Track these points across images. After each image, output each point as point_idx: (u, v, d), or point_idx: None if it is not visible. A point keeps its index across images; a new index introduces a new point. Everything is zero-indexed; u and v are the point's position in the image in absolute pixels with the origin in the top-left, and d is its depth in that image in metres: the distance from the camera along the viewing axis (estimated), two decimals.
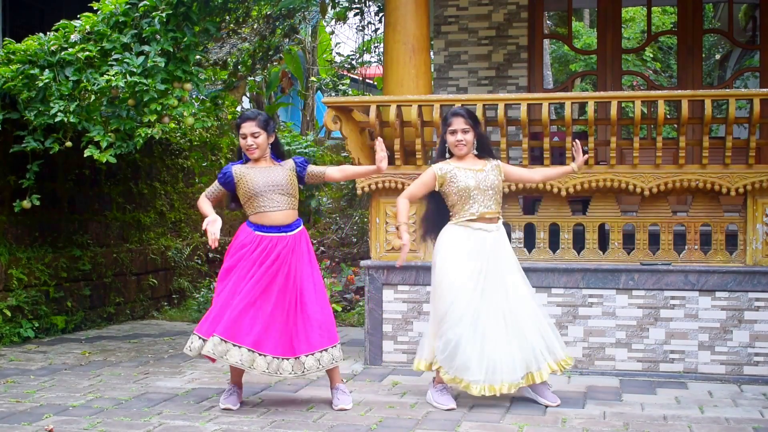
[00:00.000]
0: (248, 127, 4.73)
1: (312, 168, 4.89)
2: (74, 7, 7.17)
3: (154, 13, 6.15)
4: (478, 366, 4.60)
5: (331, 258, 10.00)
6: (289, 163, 4.85)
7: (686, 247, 5.63)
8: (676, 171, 5.57)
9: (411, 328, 5.85)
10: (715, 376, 5.43)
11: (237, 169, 4.80)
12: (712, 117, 5.48)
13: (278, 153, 4.92)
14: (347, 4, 11.69)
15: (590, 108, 5.81)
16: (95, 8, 6.43)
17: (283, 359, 4.62)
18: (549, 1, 8.92)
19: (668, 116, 6.21)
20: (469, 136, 4.75)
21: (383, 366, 5.82)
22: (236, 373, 4.81)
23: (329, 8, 11.24)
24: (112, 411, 4.69)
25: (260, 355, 4.56)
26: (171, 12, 6.18)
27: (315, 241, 8.60)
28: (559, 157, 5.97)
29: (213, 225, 4.61)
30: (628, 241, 5.75)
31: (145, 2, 6.23)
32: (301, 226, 4.87)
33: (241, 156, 4.89)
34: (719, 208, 5.62)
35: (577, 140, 4.95)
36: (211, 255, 9.89)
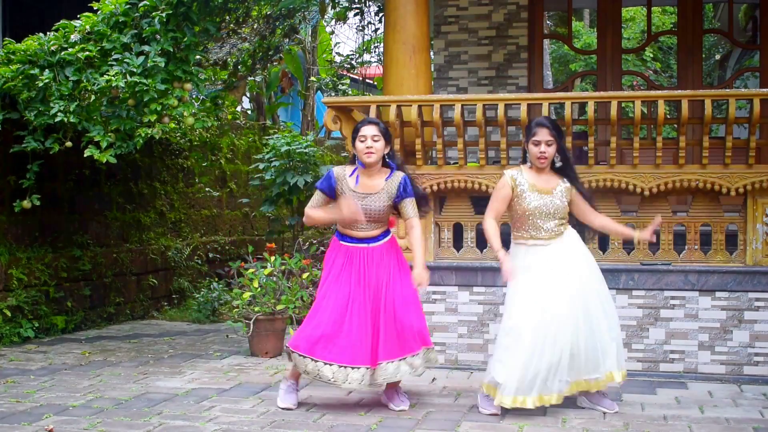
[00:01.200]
0: (369, 130, 4.65)
1: (406, 203, 4.73)
2: (74, 7, 7.16)
3: (154, 13, 6.15)
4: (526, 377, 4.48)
5: None
6: (393, 186, 4.71)
7: (686, 247, 5.63)
8: (676, 171, 5.57)
9: None
10: (715, 376, 5.43)
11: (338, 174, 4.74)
12: (712, 117, 5.48)
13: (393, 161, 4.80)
14: (347, 4, 11.68)
15: (590, 108, 5.81)
16: (95, 8, 6.43)
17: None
18: (549, 1, 8.91)
19: (668, 116, 6.21)
20: (552, 149, 4.62)
21: None
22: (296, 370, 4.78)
23: (329, 8, 11.24)
24: (112, 411, 4.69)
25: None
26: (171, 12, 6.17)
27: (315, 241, 8.59)
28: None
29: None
30: (629, 241, 5.74)
31: (145, 2, 6.23)
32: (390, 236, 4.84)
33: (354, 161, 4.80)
34: (719, 208, 5.62)
35: (659, 219, 4.80)
36: (211, 255, 9.89)
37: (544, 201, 4.62)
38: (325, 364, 4.54)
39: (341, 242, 4.76)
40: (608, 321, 4.59)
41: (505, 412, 4.62)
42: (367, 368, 4.56)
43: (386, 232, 4.80)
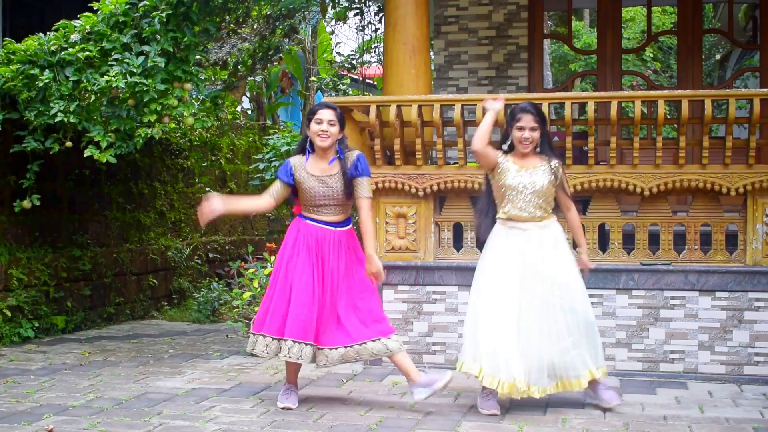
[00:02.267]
0: (326, 114, 4.69)
1: (360, 182, 4.75)
2: (74, 7, 7.17)
3: (154, 13, 6.15)
4: (509, 365, 4.50)
5: None
6: (347, 164, 4.74)
7: (686, 247, 5.63)
8: (676, 171, 5.57)
9: (411, 328, 5.85)
10: (715, 376, 5.43)
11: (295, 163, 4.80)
12: (712, 117, 5.48)
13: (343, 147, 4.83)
14: (347, 4, 11.68)
15: (590, 108, 5.81)
16: (95, 8, 6.43)
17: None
18: (549, 1, 8.92)
19: (668, 116, 6.21)
20: (536, 134, 4.66)
21: (383, 366, 5.81)
22: (291, 372, 4.85)
23: (329, 8, 11.22)
24: (112, 411, 4.69)
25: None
26: (171, 12, 6.17)
27: None
28: (559, 156, 5.96)
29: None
30: (628, 241, 5.74)
31: (145, 2, 6.23)
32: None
33: (303, 147, 4.83)
34: (719, 208, 5.62)
35: (587, 263, 4.84)
36: (211, 255, 9.90)
37: (522, 178, 4.64)
38: (274, 339, 4.64)
39: (305, 221, 4.78)
40: (572, 320, 4.57)
41: (506, 412, 4.63)
42: (312, 345, 4.63)
43: (349, 219, 4.87)
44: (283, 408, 4.71)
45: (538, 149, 4.74)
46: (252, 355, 4.89)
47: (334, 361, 4.71)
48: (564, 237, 4.78)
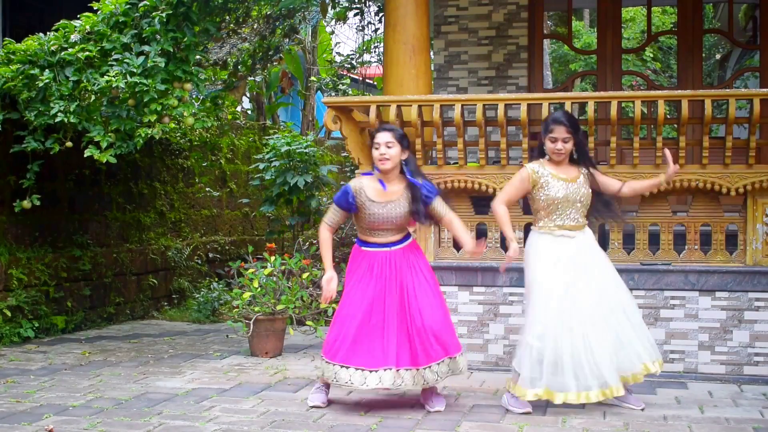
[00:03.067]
0: (383, 137, 4.66)
1: (436, 204, 4.75)
2: (74, 7, 7.17)
3: (154, 13, 6.15)
4: (570, 375, 4.51)
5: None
6: (414, 190, 4.70)
7: (686, 247, 5.63)
8: (677, 171, 5.56)
9: None
10: (715, 376, 5.43)
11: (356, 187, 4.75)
12: (712, 117, 5.48)
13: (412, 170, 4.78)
14: (347, 4, 11.68)
15: (590, 108, 5.81)
16: (95, 8, 6.44)
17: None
18: (549, 1, 8.91)
19: (668, 116, 6.20)
20: (569, 145, 4.68)
21: None
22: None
23: (329, 8, 11.23)
24: (112, 411, 4.69)
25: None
26: (171, 12, 6.18)
27: (315, 241, 8.59)
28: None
29: (329, 284, 4.70)
30: (628, 241, 5.74)
31: (145, 2, 6.23)
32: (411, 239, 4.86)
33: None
34: (719, 208, 5.62)
35: (667, 150, 4.87)
36: (211, 255, 9.89)
37: (568, 188, 4.68)
38: (342, 367, 4.58)
39: (362, 248, 4.79)
40: (631, 314, 4.68)
41: (505, 411, 4.62)
42: (386, 370, 4.55)
43: (407, 236, 4.83)
44: (313, 406, 4.73)
45: (574, 156, 4.77)
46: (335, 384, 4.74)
47: (431, 380, 4.61)
48: (595, 239, 4.86)
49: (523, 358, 4.59)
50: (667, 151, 4.86)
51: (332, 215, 4.81)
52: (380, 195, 4.69)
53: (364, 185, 4.73)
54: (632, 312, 4.71)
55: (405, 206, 4.70)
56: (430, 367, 4.58)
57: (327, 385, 4.84)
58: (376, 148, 4.67)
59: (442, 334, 4.62)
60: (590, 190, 4.76)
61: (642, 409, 4.64)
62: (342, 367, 4.58)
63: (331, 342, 4.67)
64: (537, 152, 4.86)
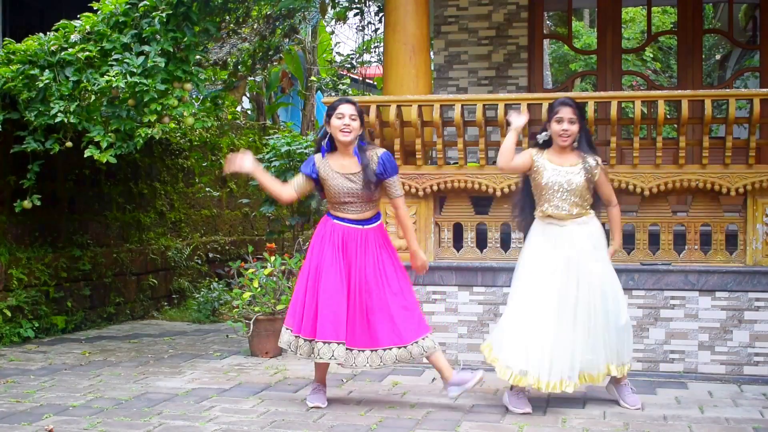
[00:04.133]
0: (347, 109, 4.64)
1: (391, 182, 4.73)
2: (74, 7, 7.16)
3: (154, 13, 6.15)
4: (534, 357, 4.55)
5: None
6: (373, 161, 4.67)
7: (686, 247, 5.63)
8: (676, 171, 5.57)
9: None
10: (715, 376, 5.43)
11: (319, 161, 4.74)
12: (712, 117, 5.48)
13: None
14: (347, 4, 11.68)
15: (590, 108, 5.81)
16: (95, 8, 6.43)
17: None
18: (549, 1, 8.92)
19: (668, 116, 6.21)
20: (575, 128, 4.65)
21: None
22: (321, 371, 4.84)
23: (329, 8, 11.23)
24: (112, 411, 4.69)
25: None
26: (171, 12, 6.17)
27: None
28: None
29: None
30: (628, 241, 5.74)
31: (145, 2, 6.23)
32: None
33: (320, 144, 4.77)
34: (719, 208, 5.62)
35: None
36: (211, 255, 9.89)
37: (559, 176, 4.65)
38: (306, 340, 4.64)
39: (333, 221, 4.75)
40: (613, 315, 4.63)
41: (506, 411, 4.62)
42: (339, 344, 4.58)
43: (377, 216, 4.81)
44: (313, 407, 4.72)
45: (576, 145, 4.72)
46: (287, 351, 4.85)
47: (388, 361, 4.63)
48: (602, 234, 4.78)
49: (497, 325, 4.74)
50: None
51: (296, 180, 4.81)
52: (342, 167, 4.68)
53: (327, 159, 4.71)
54: (615, 315, 4.64)
55: (364, 178, 4.66)
56: (414, 343, 4.61)
57: (324, 385, 4.84)
58: (339, 118, 4.63)
59: (397, 319, 4.61)
60: (584, 181, 4.65)
61: (641, 409, 4.64)
62: (306, 340, 4.64)
63: (292, 314, 4.72)
64: (543, 140, 4.79)
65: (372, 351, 4.64)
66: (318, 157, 4.74)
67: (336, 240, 4.68)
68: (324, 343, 4.57)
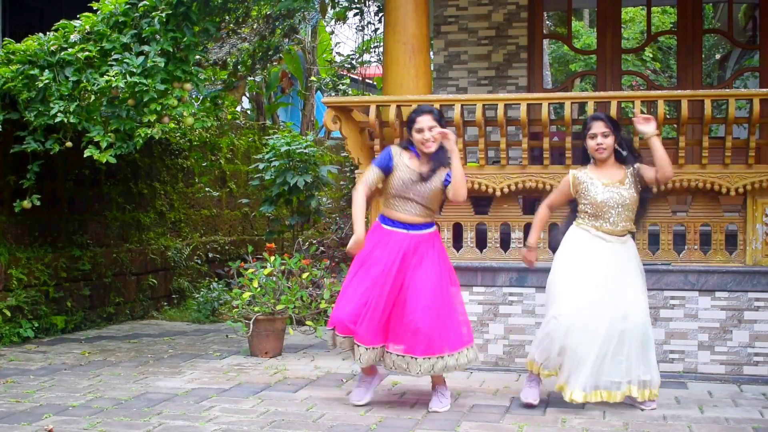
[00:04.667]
0: (426, 121, 4.61)
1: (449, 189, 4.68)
2: (74, 7, 7.16)
3: (153, 13, 6.15)
4: (578, 370, 4.55)
5: (331, 258, 10.00)
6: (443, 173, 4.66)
7: (686, 247, 5.63)
8: (676, 171, 5.56)
9: None
10: (715, 376, 5.43)
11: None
12: (712, 117, 5.48)
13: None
14: (347, 4, 11.69)
15: (590, 108, 5.81)
16: (95, 8, 6.43)
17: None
18: (549, 1, 8.92)
19: (668, 116, 6.20)
20: (609, 140, 4.69)
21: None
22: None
23: (329, 8, 11.23)
24: (112, 411, 4.69)
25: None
26: (171, 12, 6.17)
27: (315, 241, 8.59)
28: (558, 157, 5.97)
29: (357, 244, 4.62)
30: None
31: (145, 2, 6.23)
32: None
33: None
34: (719, 208, 5.62)
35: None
36: (211, 255, 9.89)
37: (609, 193, 4.68)
38: (345, 338, 4.67)
39: (383, 226, 4.73)
40: (645, 338, 4.62)
41: (505, 411, 4.63)
42: (381, 348, 4.62)
43: (432, 223, 4.78)
44: (354, 404, 4.76)
45: (617, 158, 4.76)
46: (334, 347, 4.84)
47: (425, 372, 4.59)
48: (638, 256, 4.83)
49: (538, 334, 4.74)
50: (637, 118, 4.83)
51: (369, 174, 4.72)
52: (415, 164, 4.66)
53: (403, 152, 4.71)
54: (647, 336, 4.64)
55: (437, 181, 4.64)
56: (460, 352, 4.61)
57: (371, 380, 4.83)
58: (419, 131, 4.61)
59: (424, 332, 4.55)
60: (636, 194, 4.72)
61: (653, 409, 4.64)
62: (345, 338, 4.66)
63: (337, 313, 4.69)
64: (581, 158, 4.89)
65: (437, 357, 4.58)
66: (395, 148, 4.74)
67: (392, 246, 4.64)
68: (366, 348, 4.61)
